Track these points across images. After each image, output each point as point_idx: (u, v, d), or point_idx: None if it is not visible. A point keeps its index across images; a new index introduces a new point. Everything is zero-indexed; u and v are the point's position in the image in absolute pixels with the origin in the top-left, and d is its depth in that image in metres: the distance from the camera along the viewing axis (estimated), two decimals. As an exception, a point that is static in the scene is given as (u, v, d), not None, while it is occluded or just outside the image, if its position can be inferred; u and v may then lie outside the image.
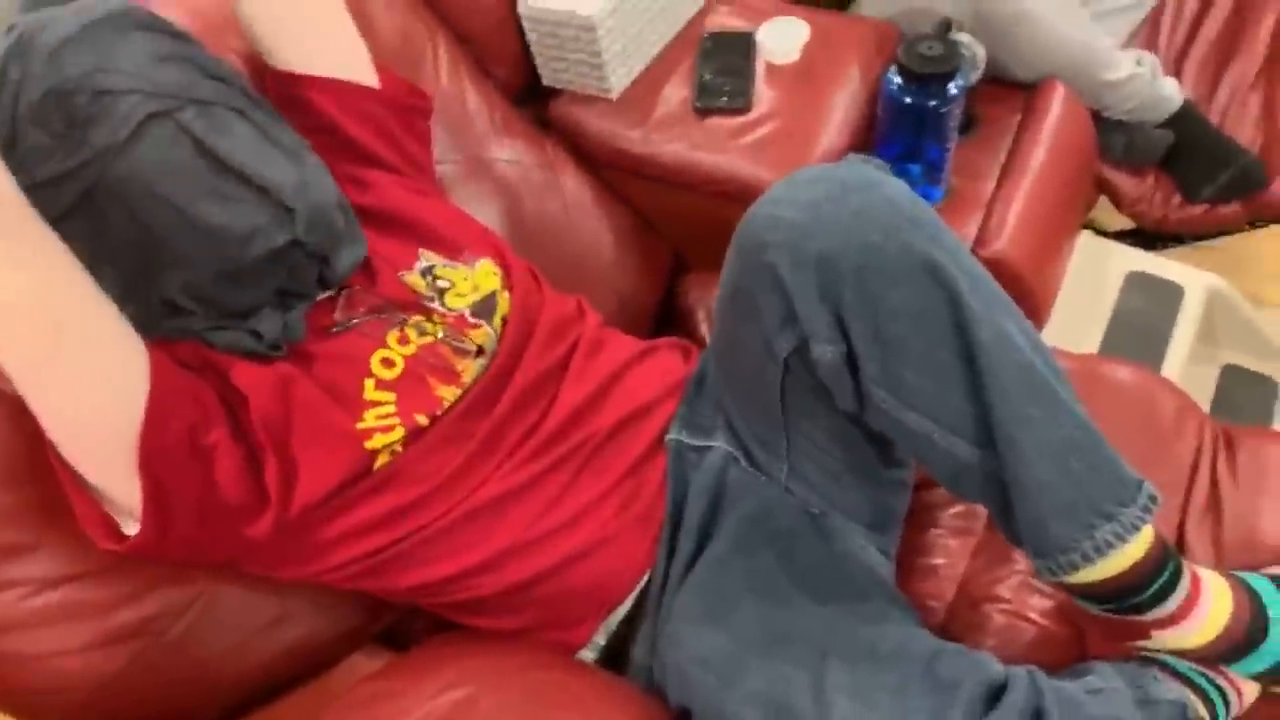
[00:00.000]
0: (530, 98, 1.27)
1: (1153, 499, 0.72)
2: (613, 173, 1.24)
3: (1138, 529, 0.71)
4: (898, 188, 0.72)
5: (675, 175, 1.19)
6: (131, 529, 0.72)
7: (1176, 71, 1.46)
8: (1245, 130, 1.38)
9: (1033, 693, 0.68)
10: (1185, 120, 1.33)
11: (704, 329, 1.22)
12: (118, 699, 0.81)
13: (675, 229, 1.28)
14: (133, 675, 0.81)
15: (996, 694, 0.68)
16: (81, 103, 0.71)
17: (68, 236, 0.67)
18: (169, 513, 0.71)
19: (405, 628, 0.96)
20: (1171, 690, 0.77)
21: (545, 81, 1.26)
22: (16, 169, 0.69)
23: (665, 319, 1.29)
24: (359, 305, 0.84)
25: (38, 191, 0.69)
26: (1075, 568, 0.71)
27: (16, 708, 0.79)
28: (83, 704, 0.79)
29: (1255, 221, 1.34)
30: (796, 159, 1.15)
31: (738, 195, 1.17)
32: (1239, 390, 1.32)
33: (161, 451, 0.70)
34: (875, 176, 0.72)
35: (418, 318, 0.85)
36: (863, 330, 0.69)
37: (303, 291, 0.82)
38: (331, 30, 0.91)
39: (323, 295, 0.84)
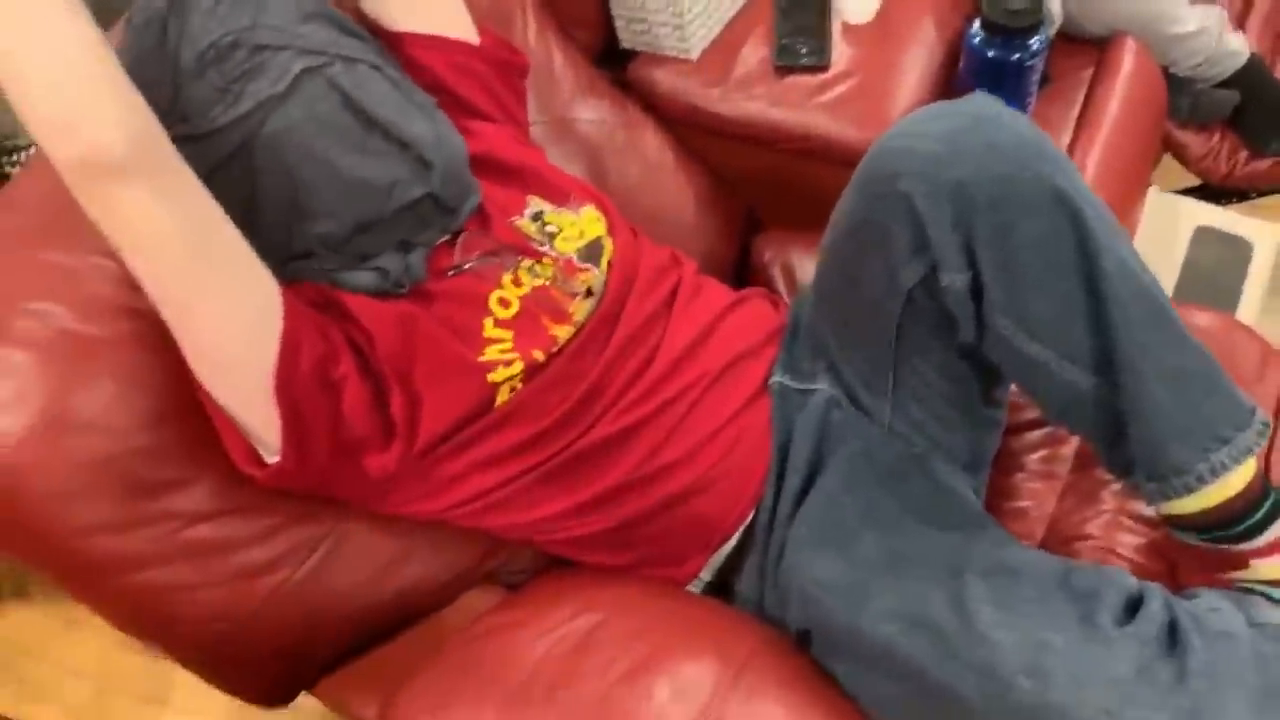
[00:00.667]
0: (609, 60, 1.29)
1: (1265, 424, 0.74)
2: (691, 133, 1.26)
3: (1251, 452, 0.73)
4: (1024, 122, 0.74)
5: (755, 133, 1.21)
6: (272, 459, 0.76)
7: (1241, 26, 1.46)
8: (1312, 85, 1.38)
9: (1167, 605, 0.70)
10: (1251, 75, 1.34)
11: (780, 284, 1.24)
12: (255, 631, 0.85)
13: (752, 188, 1.30)
14: (269, 608, 0.85)
15: (1133, 605, 0.71)
16: (240, 57, 0.74)
17: (220, 185, 0.70)
18: (305, 442, 0.75)
19: (513, 568, 0.99)
20: (1276, 616, 0.79)
21: (624, 44, 1.28)
22: (178, 120, 0.72)
23: (740, 277, 1.31)
24: (474, 248, 0.87)
25: (198, 142, 0.72)
26: (1189, 490, 0.74)
27: (166, 640, 0.83)
28: (226, 634, 0.83)
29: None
30: (875, 115, 1.17)
31: (817, 152, 1.19)
32: (1308, 342, 1.33)
33: (295, 383, 0.73)
34: (1004, 111, 0.74)
35: (529, 261, 0.88)
36: (992, 258, 0.72)
37: (426, 238, 0.85)
38: None
39: (441, 239, 0.87)
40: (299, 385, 0.74)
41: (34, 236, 0.81)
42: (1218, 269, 1.30)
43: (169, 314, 0.71)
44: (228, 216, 0.71)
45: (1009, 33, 1.06)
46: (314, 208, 0.78)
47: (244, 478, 0.77)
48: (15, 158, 1.51)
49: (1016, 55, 1.07)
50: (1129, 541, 0.94)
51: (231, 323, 0.72)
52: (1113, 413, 0.75)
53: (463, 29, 0.96)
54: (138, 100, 0.64)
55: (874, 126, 1.15)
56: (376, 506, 0.86)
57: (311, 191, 0.77)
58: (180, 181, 0.68)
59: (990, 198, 0.70)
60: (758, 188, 1.30)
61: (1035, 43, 1.08)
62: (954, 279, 0.74)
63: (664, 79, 1.25)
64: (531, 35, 1.15)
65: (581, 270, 0.90)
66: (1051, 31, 1.18)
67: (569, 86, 1.17)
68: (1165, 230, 1.33)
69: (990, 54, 1.08)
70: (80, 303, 0.78)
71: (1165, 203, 1.36)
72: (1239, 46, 1.33)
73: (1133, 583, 0.73)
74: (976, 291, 0.75)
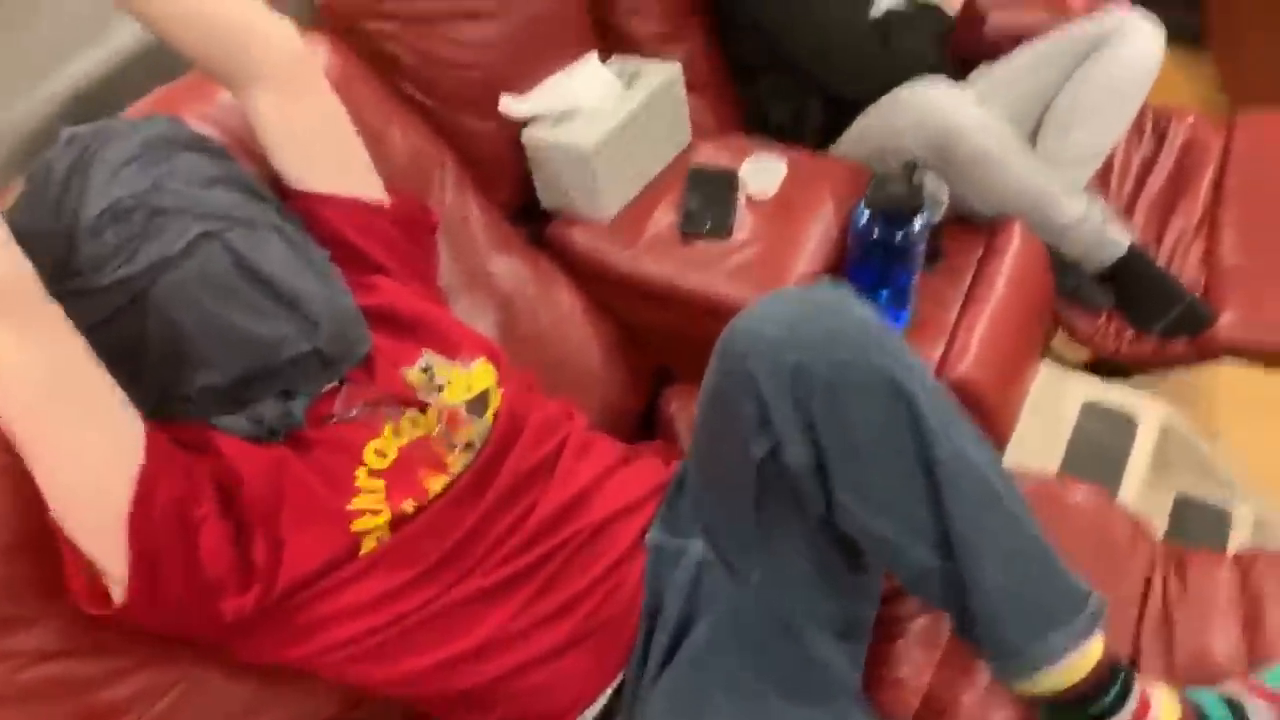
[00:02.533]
0: (528, 218, 1.36)
1: (1101, 607, 0.76)
2: (603, 289, 1.32)
3: (1088, 636, 0.75)
4: (866, 312, 0.79)
5: (662, 293, 1.27)
6: (120, 596, 0.75)
7: (1127, 217, 1.58)
8: (1190, 273, 1.49)
9: None
10: (1133, 262, 1.43)
11: (684, 437, 1.27)
12: (93, 780, 0.81)
13: (660, 343, 1.35)
14: (110, 756, 0.82)
15: None
16: (139, 219, 0.78)
17: (109, 334, 0.74)
18: (155, 582, 0.75)
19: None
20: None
21: (544, 205, 1.35)
22: (72, 274, 0.76)
23: (647, 427, 1.35)
24: (357, 399, 0.89)
25: (90, 295, 0.75)
26: (1032, 671, 0.75)
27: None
28: (58, 783, 0.80)
29: (1203, 357, 1.43)
30: (773, 282, 1.24)
31: (719, 313, 1.23)
32: (1193, 518, 1.37)
33: (150, 521, 0.74)
34: (847, 300, 0.79)
35: (413, 411, 0.90)
36: (831, 439, 0.75)
37: (309, 388, 0.87)
38: (345, 157, 0.99)
39: (325, 389, 0.89)
40: (155, 524, 0.74)
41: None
42: (1105, 442, 1.35)
43: (23, 448, 0.72)
44: (95, 360, 0.73)
45: (890, 216, 1.14)
46: (199, 359, 0.81)
47: (93, 617, 0.76)
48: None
49: (898, 236, 1.15)
50: (999, 716, 0.93)
51: (85, 461, 0.73)
52: (959, 590, 0.77)
53: (371, 189, 1.01)
54: (11, 245, 0.67)
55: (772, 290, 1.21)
56: (234, 652, 0.85)
57: (198, 344, 0.81)
58: (44, 323, 0.71)
59: (827, 382, 0.74)
60: (665, 343, 1.35)
61: (916, 224, 1.15)
62: (796, 455, 0.77)
63: (579, 239, 1.32)
64: (450, 192, 1.21)
65: (465, 424, 0.92)
66: (939, 214, 1.27)
67: (484, 241, 1.23)
68: (1054, 403, 1.39)
69: (875, 234, 1.15)
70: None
71: (1056, 376, 1.42)
72: (1119, 237, 1.43)
73: None
74: (821, 467, 0.78)
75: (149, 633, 0.80)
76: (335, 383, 0.89)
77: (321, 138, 0.97)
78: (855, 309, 0.78)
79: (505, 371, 0.99)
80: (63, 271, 0.70)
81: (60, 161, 0.81)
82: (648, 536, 0.94)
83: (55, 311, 0.71)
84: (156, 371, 0.81)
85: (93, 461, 0.73)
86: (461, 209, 1.22)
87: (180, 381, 0.82)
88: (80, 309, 0.72)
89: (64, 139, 0.83)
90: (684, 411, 1.31)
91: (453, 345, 0.97)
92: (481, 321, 1.17)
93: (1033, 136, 1.51)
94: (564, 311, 1.27)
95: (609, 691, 0.89)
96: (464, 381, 0.94)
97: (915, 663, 1.00)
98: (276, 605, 0.80)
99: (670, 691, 0.82)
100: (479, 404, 0.94)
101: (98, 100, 1.05)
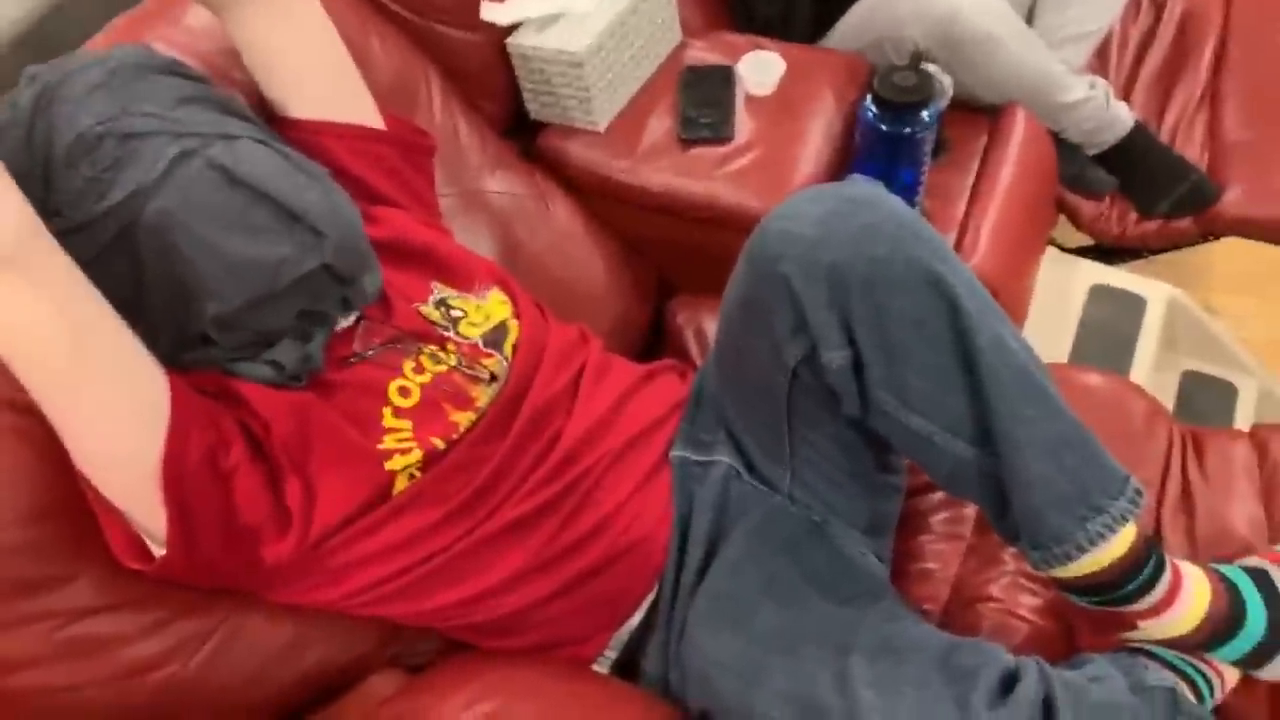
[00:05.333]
0: (518, 131, 1.31)
1: (1139, 492, 0.77)
2: (601, 201, 1.28)
3: (1126, 521, 0.76)
4: (900, 205, 0.77)
5: (662, 203, 1.24)
6: (159, 552, 0.74)
7: (1126, 95, 1.54)
8: (1193, 149, 1.46)
9: (1042, 681, 0.72)
10: (1137, 140, 1.41)
11: (693, 348, 1.26)
12: (145, 728, 0.82)
13: (662, 254, 1.32)
14: (156, 704, 0.82)
15: (1010, 682, 0.72)
16: (109, 147, 0.73)
17: (104, 274, 0.69)
18: (193, 535, 0.73)
19: (415, 650, 0.98)
20: (1162, 678, 0.81)
21: (533, 116, 1.30)
22: (53, 214, 0.71)
23: (655, 339, 1.33)
24: (375, 336, 0.86)
25: (75, 234, 0.71)
26: (1070, 558, 0.76)
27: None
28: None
29: (1207, 235, 1.42)
30: (778, 185, 1.20)
31: (723, 221, 1.22)
32: (1200, 394, 1.39)
33: (183, 475, 0.72)
34: (880, 194, 0.77)
35: (433, 347, 0.87)
36: (869, 337, 0.74)
37: (325, 317, 0.84)
38: (339, 79, 0.93)
39: (341, 325, 0.86)
40: (188, 478, 0.72)
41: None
42: (1113, 325, 1.35)
43: (50, 410, 0.69)
44: (111, 309, 0.70)
45: (900, 108, 1.10)
46: (201, 290, 0.77)
47: (129, 571, 0.75)
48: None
49: (908, 129, 1.11)
50: (1028, 603, 0.95)
51: (114, 418, 0.70)
52: (996, 482, 0.77)
53: (366, 114, 0.96)
54: (15, 192, 0.63)
55: (776, 196, 1.17)
56: (270, 596, 0.84)
57: (197, 274, 0.76)
58: (59, 275, 0.66)
59: (864, 279, 0.72)
60: (668, 254, 1.32)
61: (926, 115, 1.12)
62: (833, 357, 0.76)
63: (573, 150, 1.27)
64: (437, 109, 1.16)
65: (486, 355, 0.90)
66: (944, 103, 1.23)
67: (476, 159, 1.18)
68: (1062, 289, 1.38)
69: (883, 128, 1.12)
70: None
71: (1062, 262, 1.41)
72: (1124, 114, 1.40)
73: (1010, 660, 0.74)
74: (858, 367, 0.77)
75: (188, 586, 0.80)
76: (352, 321, 0.86)
77: (314, 58, 0.92)
78: (889, 203, 0.75)
79: (519, 301, 0.96)
80: (42, 213, 0.65)
81: (24, 99, 0.75)
82: (671, 453, 0.94)
83: (66, 262, 0.66)
84: (162, 309, 0.77)
85: (121, 422, 0.70)
86: (451, 125, 1.17)
87: (190, 319, 0.78)
88: (69, 250, 0.67)
89: (26, 76, 0.77)
90: (691, 322, 1.29)
91: (465, 276, 0.94)
92: (481, 243, 1.14)
93: (1029, 17, 1.46)
94: (564, 228, 1.24)
95: (645, 608, 0.90)
96: (480, 313, 0.92)
97: (942, 555, 1.02)
98: (312, 548, 0.79)
99: (713, 601, 0.83)
100: (497, 336, 0.91)
101: (53, 35, 0.99)
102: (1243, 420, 1.36)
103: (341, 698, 0.92)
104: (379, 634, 0.93)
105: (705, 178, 1.22)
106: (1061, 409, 0.76)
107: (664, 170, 1.24)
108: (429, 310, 0.90)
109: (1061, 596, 0.86)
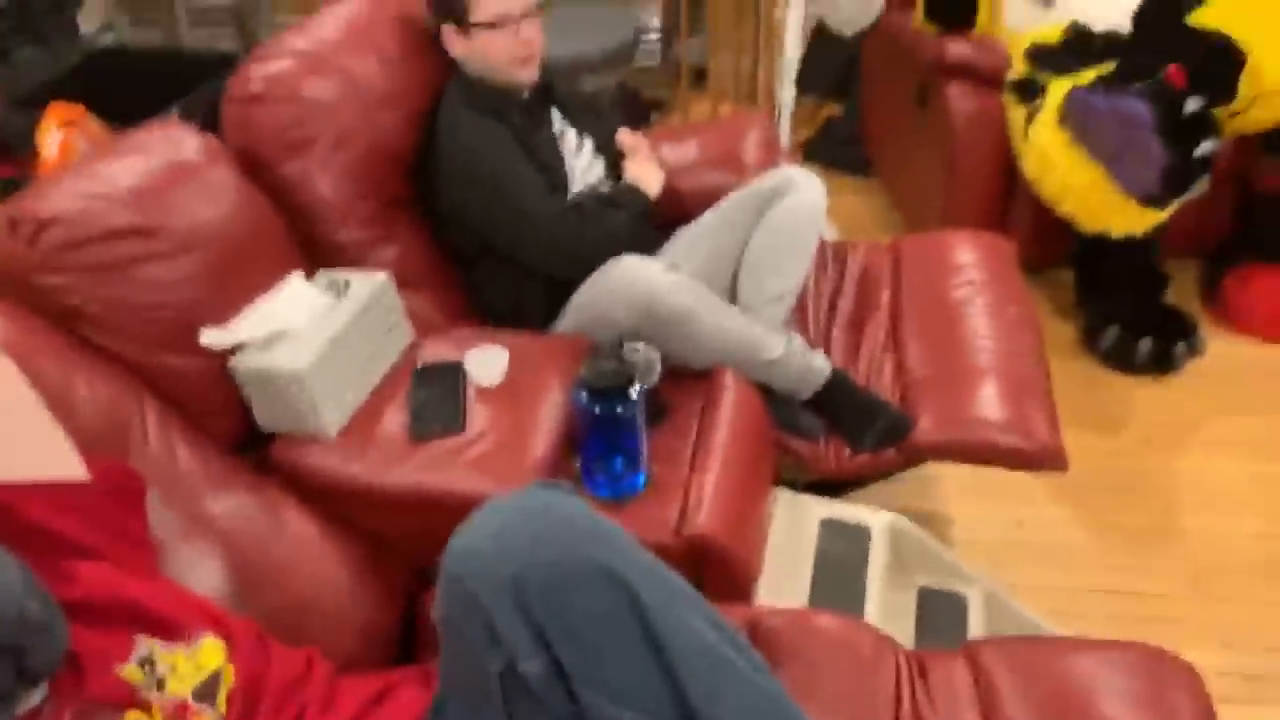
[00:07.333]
0: (253, 442, 1.31)
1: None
2: (342, 505, 1.28)
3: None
4: (573, 506, 0.82)
5: (402, 500, 1.26)
6: None
7: (825, 343, 1.75)
8: (885, 387, 1.66)
9: None
10: (836, 385, 1.58)
11: (448, 643, 1.24)
12: None
13: (413, 547, 1.32)
14: None
15: None
16: None
17: None
18: None
19: None
20: None
21: (263, 428, 1.31)
22: None
23: (409, 637, 1.30)
24: (65, 710, 0.80)
25: None
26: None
27: None
28: None
29: (910, 462, 1.59)
30: (513, 469, 1.26)
31: (464, 509, 1.24)
32: (935, 608, 1.49)
33: None
34: (552, 500, 0.82)
35: (135, 712, 0.82)
36: (561, 638, 0.77)
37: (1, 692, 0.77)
38: (29, 437, 0.91)
39: (27, 707, 0.79)
40: None
41: None
42: (845, 556, 1.46)
43: None
44: None
45: (606, 392, 1.20)
46: None
47: None
48: None
49: (619, 408, 1.21)
50: None
51: None
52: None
53: (66, 466, 0.93)
54: None
55: (513, 479, 1.23)
56: None
57: None
58: None
59: (542, 584, 0.77)
60: (419, 546, 1.31)
61: (633, 394, 1.22)
62: (530, 665, 0.79)
63: (308, 459, 1.28)
64: (153, 440, 1.15)
65: (195, 715, 0.85)
66: (654, 378, 1.35)
67: (198, 485, 1.16)
68: (796, 527, 1.48)
69: (596, 410, 1.21)
70: None
71: (794, 503, 1.52)
72: (820, 363, 1.58)
73: None
74: (561, 672, 0.79)
75: None
76: (38, 700, 0.80)
77: (4, 422, 0.89)
78: (561, 507, 0.81)
79: (235, 641, 0.93)
80: None
81: None
82: (409, 773, 0.90)
83: None
84: None
85: None
86: (168, 453, 1.15)
87: None
88: None
89: None
90: (445, 614, 1.28)
91: (175, 626, 0.90)
92: (205, 571, 1.10)
93: (733, 284, 1.66)
94: (299, 541, 1.22)
95: None
96: (190, 665, 0.88)
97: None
98: None
99: None
100: (209, 687, 0.88)
101: None
102: (976, 626, 1.47)
103: None
104: None
105: (442, 470, 1.26)
106: (751, 680, 0.81)
107: (401, 468, 1.26)
108: (130, 672, 0.85)
109: None
